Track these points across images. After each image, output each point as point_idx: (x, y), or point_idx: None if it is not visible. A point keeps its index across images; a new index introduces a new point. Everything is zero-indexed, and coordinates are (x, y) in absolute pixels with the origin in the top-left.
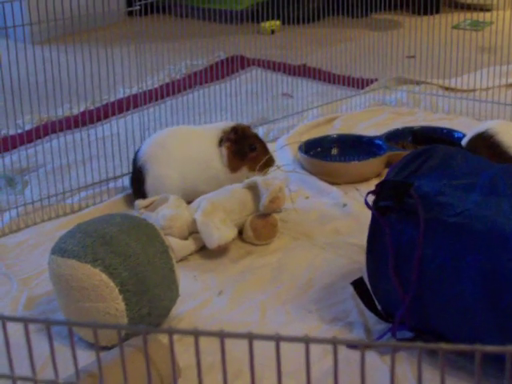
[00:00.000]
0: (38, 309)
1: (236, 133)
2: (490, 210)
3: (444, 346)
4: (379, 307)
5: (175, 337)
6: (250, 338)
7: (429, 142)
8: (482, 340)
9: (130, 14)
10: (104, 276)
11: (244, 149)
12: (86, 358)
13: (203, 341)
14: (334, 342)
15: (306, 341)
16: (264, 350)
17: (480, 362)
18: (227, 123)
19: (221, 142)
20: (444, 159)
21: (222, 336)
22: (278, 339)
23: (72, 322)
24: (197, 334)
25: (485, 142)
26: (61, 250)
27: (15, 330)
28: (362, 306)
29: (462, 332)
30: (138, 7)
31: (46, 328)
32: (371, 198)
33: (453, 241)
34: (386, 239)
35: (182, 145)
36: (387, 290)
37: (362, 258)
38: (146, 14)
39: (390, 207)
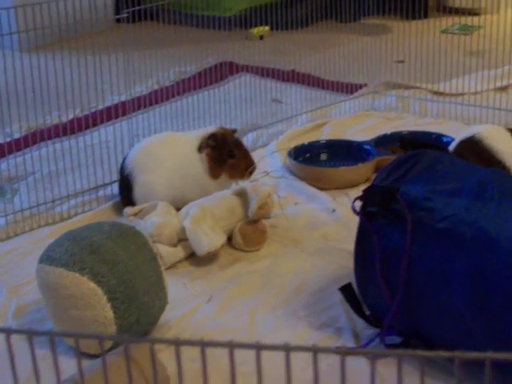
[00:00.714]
0: (28, 317)
1: (215, 139)
2: (477, 215)
3: (423, 352)
4: (368, 312)
5: (163, 344)
6: (231, 346)
7: (417, 146)
8: (471, 344)
9: (118, 21)
10: (92, 284)
11: (223, 156)
12: (75, 366)
13: (191, 348)
14: (315, 350)
15: (287, 349)
16: (251, 357)
17: (459, 367)
18: (210, 128)
19: (200, 149)
20: (431, 164)
21: (203, 345)
22: (258, 348)
23: (54, 332)
24: (178, 343)
25: (473, 147)
26: (49, 258)
27: (2, 340)
28: (351, 311)
29: (451, 336)
30: (125, 14)
31: (28, 338)
32: (359, 204)
33: (440, 245)
34: (373, 244)
35: (169, 151)
36: (375, 295)
37: (351, 264)
38: (134, 21)
39: (378, 212)
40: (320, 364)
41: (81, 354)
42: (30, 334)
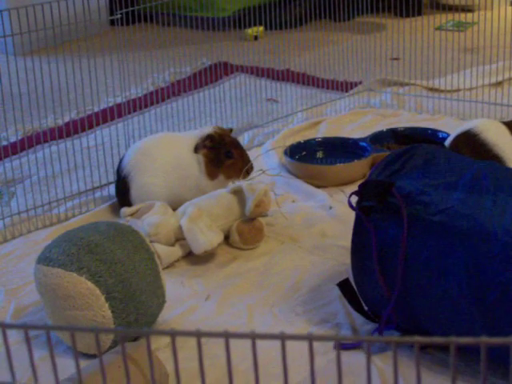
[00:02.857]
0: (26, 319)
1: (212, 140)
2: (473, 208)
3: (419, 339)
4: (366, 308)
5: (164, 342)
6: (227, 336)
7: (413, 142)
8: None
9: (113, 23)
10: (90, 284)
11: (220, 156)
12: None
13: (191, 346)
14: (310, 339)
15: (282, 338)
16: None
17: (455, 353)
18: (206, 129)
19: (197, 149)
20: (426, 158)
21: (198, 335)
22: (253, 337)
23: (49, 326)
24: (174, 334)
25: (469, 141)
26: (46, 259)
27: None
28: (349, 307)
29: (449, 330)
30: (119, 15)
31: (24, 332)
32: (355, 199)
33: (436, 239)
34: (370, 239)
35: (165, 152)
36: (373, 290)
37: (348, 260)
38: (128, 23)
39: (374, 207)
40: (320, 359)
41: (80, 355)
42: (26, 328)
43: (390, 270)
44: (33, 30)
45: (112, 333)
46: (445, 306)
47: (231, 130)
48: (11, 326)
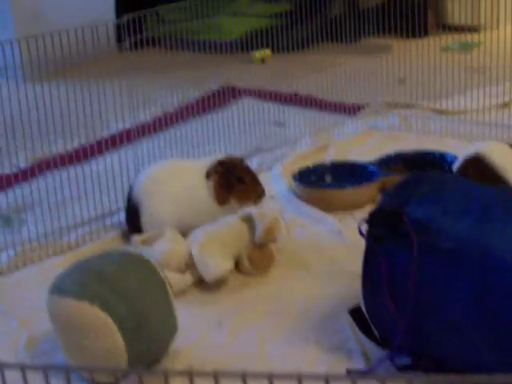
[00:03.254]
0: (39, 348)
1: (223, 165)
2: (482, 235)
3: (432, 377)
4: (377, 334)
5: (178, 367)
6: (244, 376)
7: (421, 166)
8: (480, 365)
9: (121, 49)
10: (102, 314)
11: (231, 181)
12: None
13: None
14: (327, 378)
15: (299, 377)
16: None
17: None
18: (217, 156)
19: (208, 175)
20: (435, 185)
21: (216, 376)
22: (270, 376)
23: (70, 366)
24: (191, 374)
25: (477, 165)
26: (58, 288)
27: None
28: (360, 333)
29: (460, 357)
30: (127, 43)
31: (43, 373)
32: (365, 226)
33: (446, 266)
34: (380, 266)
35: (175, 179)
36: (384, 317)
37: (359, 286)
38: (136, 47)
39: (384, 235)
40: None
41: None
42: (46, 369)
43: (401, 297)
44: (42, 58)
45: (132, 373)
46: (455, 334)
47: (242, 158)
48: (31, 367)
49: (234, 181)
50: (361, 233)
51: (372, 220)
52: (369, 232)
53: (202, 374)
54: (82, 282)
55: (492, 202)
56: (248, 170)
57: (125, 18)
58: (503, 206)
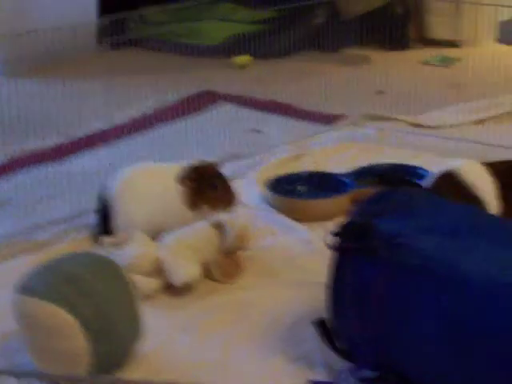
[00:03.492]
0: (4, 348)
1: (195, 171)
2: (449, 252)
3: None
4: (341, 346)
5: (138, 374)
6: None
7: (395, 179)
8: (443, 381)
9: (101, 47)
10: (68, 315)
11: (203, 187)
12: None
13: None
14: None
15: None
16: None
17: None
18: (191, 161)
19: (180, 180)
20: (406, 201)
21: None
22: None
23: (44, 374)
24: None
25: (449, 183)
26: (25, 288)
27: None
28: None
29: (424, 371)
30: (107, 44)
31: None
32: (333, 238)
33: (413, 282)
34: (346, 279)
35: (148, 182)
36: (348, 329)
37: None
38: (118, 47)
39: (352, 248)
40: None
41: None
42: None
43: (366, 310)
44: (21, 56)
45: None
46: (420, 348)
47: (216, 164)
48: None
49: (206, 187)
50: (328, 244)
51: (341, 232)
52: (337, 244)
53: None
54: (49, 282)
55: (461, 220)
56: (221, 177)
57: (106, 18)
58: (471, 224)
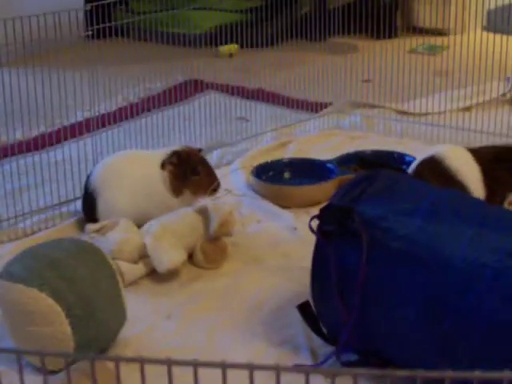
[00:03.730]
0: None
1: (178, 156)
2: (431, 235)
3: (387, 372)
4: (325, 330)
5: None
6: (195, 365)
7: (379, 166)
8: (424, 363)
9: (87, 37)
10: (51, 300)
11: (186, 173)
12: (33, 381)
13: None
14: (278, 369)
15: (251, 368)
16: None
17: None
18: (174, 147)
19: (163, 166)
20: (388, 184)
21: (169, 364)
22: (224, 366)
23: (20, 349)
24: (142, 361)
25: (433, 167)
26: (8, 273)
27: None
28: (309, 329)
29: (406, 355)
30: (90, 32)
31: None
32: (316, 222)
33: (395, 265)
34: (329, 263)
35: (133, 169)
36: (331, 314)
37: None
38: (104, 36)
39: (334, 231)
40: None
41: (38, 370)
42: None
43: (349, 294)
44: (3, 44)
45: (83, 358)
46: (402, 332)
47: (200, 150)
48: None
49: (188, 172)
50: (311, 229)
51: (323, 216)
52: (319, 228)
53: (153, 362)
54: (32, 268)
55: (444, 204)
56: (204, 162)
57: (91, 5)
58: (455, 208)
